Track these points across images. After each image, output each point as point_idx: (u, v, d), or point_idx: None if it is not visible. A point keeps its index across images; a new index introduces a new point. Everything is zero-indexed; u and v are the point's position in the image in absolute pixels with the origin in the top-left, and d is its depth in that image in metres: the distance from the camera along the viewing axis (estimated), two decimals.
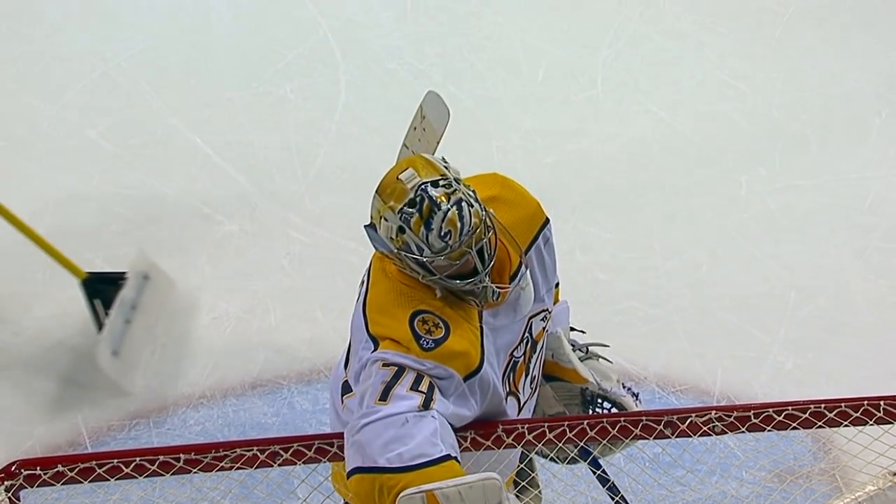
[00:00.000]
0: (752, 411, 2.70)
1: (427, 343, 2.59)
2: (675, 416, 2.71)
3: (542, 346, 2.90)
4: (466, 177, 2.72)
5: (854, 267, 5.37)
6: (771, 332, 5.01)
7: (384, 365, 2.59)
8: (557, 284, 3.01)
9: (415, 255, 2.55)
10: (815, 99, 6.32)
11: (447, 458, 2.52)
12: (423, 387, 2.57)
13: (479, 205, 2.58)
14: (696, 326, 5.08)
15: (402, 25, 6.74)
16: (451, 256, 2.55)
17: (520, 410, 2.85)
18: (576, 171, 5.88)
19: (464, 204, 2.54)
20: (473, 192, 2.60)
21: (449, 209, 2.52)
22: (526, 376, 2.85)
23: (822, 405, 2.70)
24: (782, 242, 5.49)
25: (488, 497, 2.44)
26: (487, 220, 2.59)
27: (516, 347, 2.79)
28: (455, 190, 2.55)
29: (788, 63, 6.57)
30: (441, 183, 2.55)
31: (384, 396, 2.55)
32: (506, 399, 2.77)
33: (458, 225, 2.53)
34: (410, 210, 2.53)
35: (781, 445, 3.05)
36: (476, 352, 2.65)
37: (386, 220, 2.56)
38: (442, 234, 2.52)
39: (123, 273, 4.92)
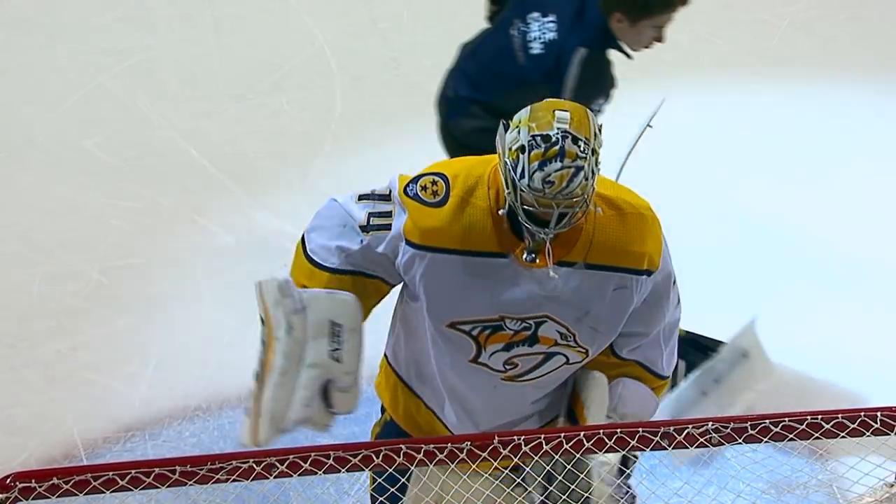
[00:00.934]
0: (749, 423, 2.70)
1: (410, 190, 2.79)
2: (671, 428, 2.71)
3: (546, 355, 2.88)
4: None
5: None
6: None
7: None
8: (656, 374, 3.03)
9: (515, 175, 2.61)
10: (815, 108, 6.33)
11: (328, 269, 2.87)
12: (376, 219, 2.82)
13: (592, 183, 2.64)
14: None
15: (399, 36, 6.75)
16: (540, 201, 2.60)
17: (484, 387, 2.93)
18: None
19: (581, 173, 2.60)
20: (597, 169, 2.66)
21: (567, 168, 2.59)
22: (505, 351, 2.85)
23: (819, 416, 2.69)
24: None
25: (335, 310, 2.81)
26: (587, 198, 2.65)
27: (512, 319, 2.81)
28: (585, 157, 2.61)
29: (785, 73, 6.58)
30: (580, 143, 2.61)
31: (362, 197, 2.87)
32: (468, 337, 2.83)
33: (563, 185, 2.59)
34: (540, 143, 2.60)
35: (779, 457, 3.04)
36: (450, 242, 2.77)
37: (518, 132, 2.63)
38: (546, 180, 2.58)
39: (719, 343, 4.54)
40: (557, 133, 2.60)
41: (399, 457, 2.65)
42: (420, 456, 2.65)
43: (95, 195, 5.77)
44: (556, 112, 2.63)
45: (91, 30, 6.79)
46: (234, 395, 4.81)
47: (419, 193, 2.76)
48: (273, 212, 5.69)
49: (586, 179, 2.61)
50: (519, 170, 2.60)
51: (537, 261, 2.72)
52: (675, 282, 2.87)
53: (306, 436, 4.24)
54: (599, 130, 2.68)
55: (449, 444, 2.64)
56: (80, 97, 6.35)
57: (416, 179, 2.79)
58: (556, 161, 2.59)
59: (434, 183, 2.76)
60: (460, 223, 2.75)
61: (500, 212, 2.70)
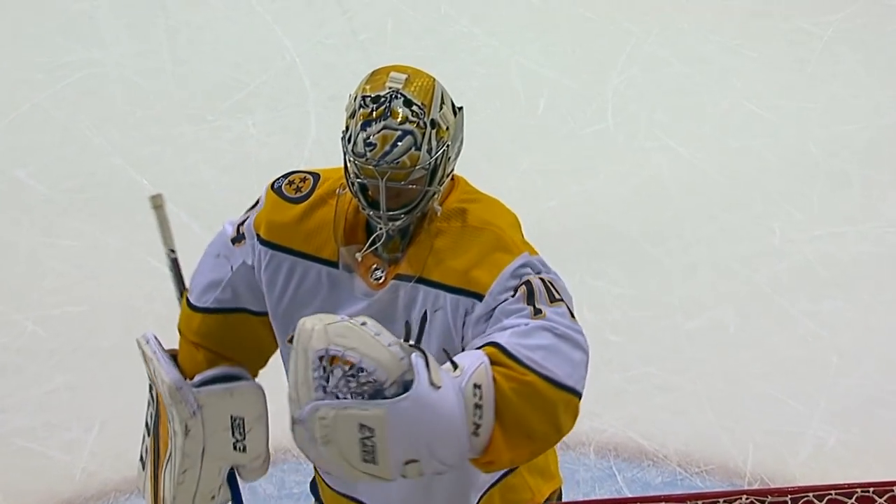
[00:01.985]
0: (790, 496, 2.69)
1: (277, 184, 2.91)
2: (700, 502, 2.70)
3: None
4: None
5: None
6: (810, 403, 5.00)
7: None
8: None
9: (345, 143, 2.70)
10: (859, 133, 6.36)
11: (198, 309, 3.00)
12: (243, 226, 2.95)
13: (429, 159, 2.68)
14: (724, 396, 5.07)
15: (381, 49, 6.76)
16: (364, 169, 2.66)
17: None
18: (582, 215, 5.89)
19: (410, 138, 2.65)
20: (440, 148, 2.70)
21: (391, 129, 2.65)
22: None
23: (871, 489, 2.69)
24: (822, 299, 5.50)
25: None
26: (421, 171, 2.68)
27: None
28: (418, 124, 2.66)
29: (827, 91, 6.60)
30: (413, 107, 2.67)
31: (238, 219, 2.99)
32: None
33: (385, 147, 2.64)
34: (369, 103, 2.67)
35: None
36: (292, 242, 2.84)
37: (352, 97, 2.72)
38: (367, 141, 2.64)
39: None
40: (388, 93, 2.68)
41: None
42: None
43: (30, 233, 5.77)
44: (392, 73, 2.73)
45: (25, 42, 6.81)
46: None
47: (282, 187, 2.88)
48: None
49: (417, 148, 2.65)
50: (348, 135, 2.68)
51: (382, 279, 2.77)
52: (532, 295, 2.71)
53: None
54: (455, 111, 2.75)
55: None
56: (11, 120, 6.35)
57: (287, 174, 2.91)
58: (379, 121, 2.65)
59: (303, 180, 2.87)
60: (308, 223, 2.82)
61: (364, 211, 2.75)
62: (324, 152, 6.17)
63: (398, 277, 2.76)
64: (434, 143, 2.69)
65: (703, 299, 5.48)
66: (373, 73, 2.76)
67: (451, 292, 2.73)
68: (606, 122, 6.36)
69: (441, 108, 2.71)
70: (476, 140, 6.14)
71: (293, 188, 2.84)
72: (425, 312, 2.75)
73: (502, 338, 2.55)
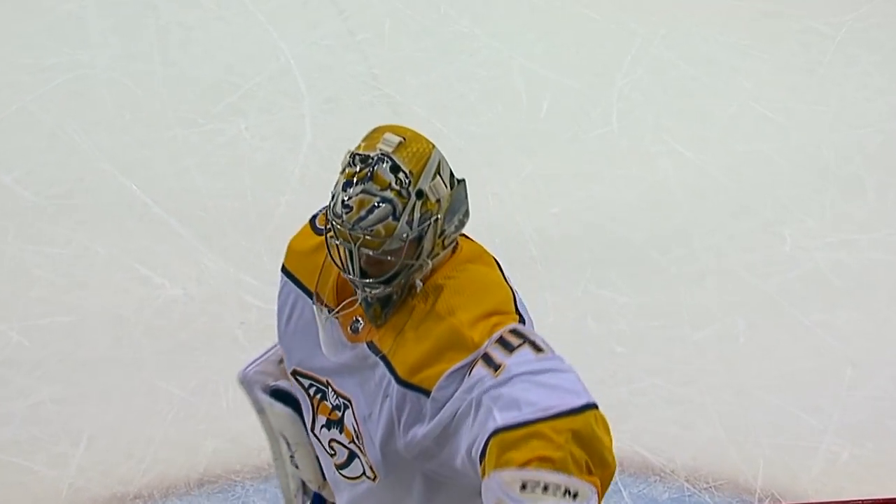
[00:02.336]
0: None
1: (319, 210, 2.96)
2: None
3: (349, 453, 2.86)
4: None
5: None
6: (823, 417, 5.00)
7: None
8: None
9: (329, 199, 2.68)
10: (873, 136, 6.36)
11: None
12: None
13: (408, 231, 2.64)
14: (733, 409, 5.07)
15: (379, 51, 6.77)
16: (339, 232, 2.65)
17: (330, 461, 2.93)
18: (586, 222, 5.88)
19: (388, 207, 2.61)
20: (423, 217, 2.65)
21: (370, 195, 2.61)
22: (327, 428, 2.88)
23: None
24: (835, 308, 5.50)
25: None
26: (398, 242, 2.64)
27: (332, 390, 2.84)
28: (400, 193, 2.62)
29: (839, 94, 6.60)
30: (400, 175, 2.62)
31: None
32: (306, 394, 2.90)
33: (361, 213, 2.61)
34: (355, 162, 2.65)
35: None
36: (303, 275, 2.93)
37: (346, 152, 2.70)
38: (345, 203, 2.62)
39: None
40: (377, 154, 2.64)
41: None
42: None
43: (15, 240, 5.76)
44: (388, 134, 2.68)
45: (10, 43, 6.81)
46: (182, 480, 4.79)
47: (318, 215, 2.93)
48: (229, 260, 5.68)
49: (395, 218, 2.61)
50: (331, 191, 2.68)
51: (359, 332, 2.75)
52: (489, 360, 2.64)
53: None
54: (452, 182, 2.70)
55: None
56: None
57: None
58: (360, 184, 2.63)
59: None
60: (318, 258, 2.84)
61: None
62: (319, 157, 6.18)
63: (370, 345, 2.75)
64: (417, 214, 2.64)
65: (711, 309, 5.48)
66: (372, 130, 2.72)
67: (399, 383, 2.68)
68: (611, 126, 6.36)
69: (433, 178, 2.66)
70: (477, 144, 6.21)
71: (325, 218, 2.76)
72: (381, 394, 2.74)
73: (492, 424, 2.51)
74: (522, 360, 2.56)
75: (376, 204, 2.60)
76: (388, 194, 2.61)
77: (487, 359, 2.58)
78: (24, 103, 6.46)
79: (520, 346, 2.58)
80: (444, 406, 2.61)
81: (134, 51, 6.84)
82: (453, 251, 2.76)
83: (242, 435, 4.91)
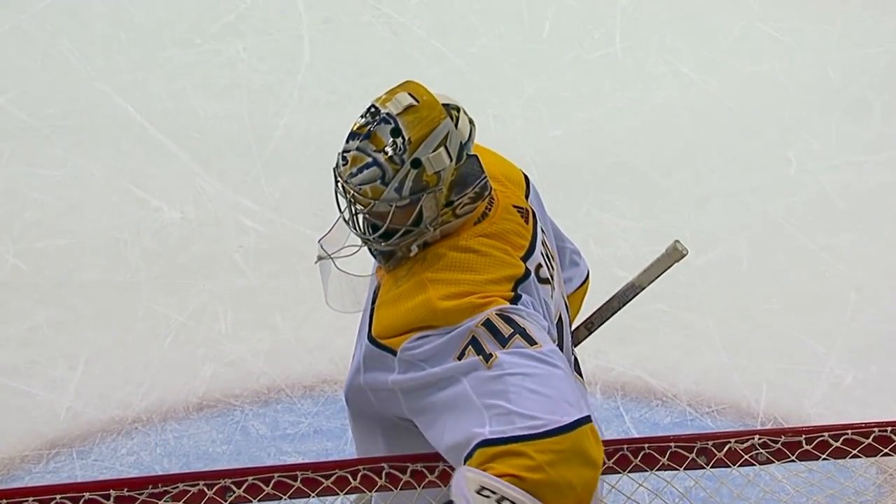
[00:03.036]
0: (804, 436, 2.70)
1: None
2: (710, 443, 2.71)
3: None
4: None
5: None
6: (826, 341, 5.01)
7: None
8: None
9: None
10: (880, 57, 6.33)
11: None
12: None
13: (394, 195, 2.67)
14: (736, 334, 5.08)
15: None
16: (335, 177, 2.73)
17: None
18: (589, 145, 5.88)
19: (375, 170, 2.66)
20: (416, 186, 2.68)
21: (364, 155, 2.68)
22: None
23: (889, 428, 2.70)
24: (840, 231, 5.50)
25: None
26: (384, 206, 2.69)
27: None
28: (392, 159, 2.66)
29: (846, 13, 6.57)
30: (398, 141, 2.66)
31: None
32: None
33: (352, 170, 2.67)
34: (366, 113, 2.71)
35: (839, 477, 3.04)
36: None
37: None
38: (343, 154, 2.70)
39: None
40: (384, 113, 2.67)
41: (381, 478, 2.65)
42: (406, 477, 2.66)
43: (10, 162, 5.76)
44: (401, 94, 2.70)
45: None
46: (181, 404, 4.81)
47: None
48: (227, 182, 5.68)
49: (383, 183, 2.65)
50: None
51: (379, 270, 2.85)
52: (478, 344, 2.66)
53: (268, 453, 4.27)
54: (457, 158, 2.71)
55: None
56: None
57: None
58: (359, 139, 2.67)
59: None
60: None
61: None
62: (318, 79, 6.16)
63: (376, 289, 2.82)
64: (409, 183, 2.67)
65: (714, 233, 5.49)
66: (399, 83, 2.74)
67: (369, 340, 2.74)
68: (614, 47, 6.34)
69: (435, 150, 2.68)
70: (477, 65, 6.19)
71: None
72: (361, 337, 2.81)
73: (481, 435, 2.53)
74: (516, 356, 2.58)
75: (368, 164, 2.65)
76: (380, 157, 2.64)
77: (477, 345, 2.60)
78: (17, 22, 6.43)
79: (511, 336, 2.60)
80: (417, 363, 2.65)
81: None
82: (480, 220, 2.77)
83: (241, 359, 4.93)
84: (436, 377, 2.60)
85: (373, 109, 2.67)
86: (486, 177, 2.75)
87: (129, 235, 5.42)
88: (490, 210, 2.78)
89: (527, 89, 6.12)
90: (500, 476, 2.46)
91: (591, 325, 3.37)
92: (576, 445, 2.51)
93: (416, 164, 2.65)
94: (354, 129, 2.68)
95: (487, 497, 2.45)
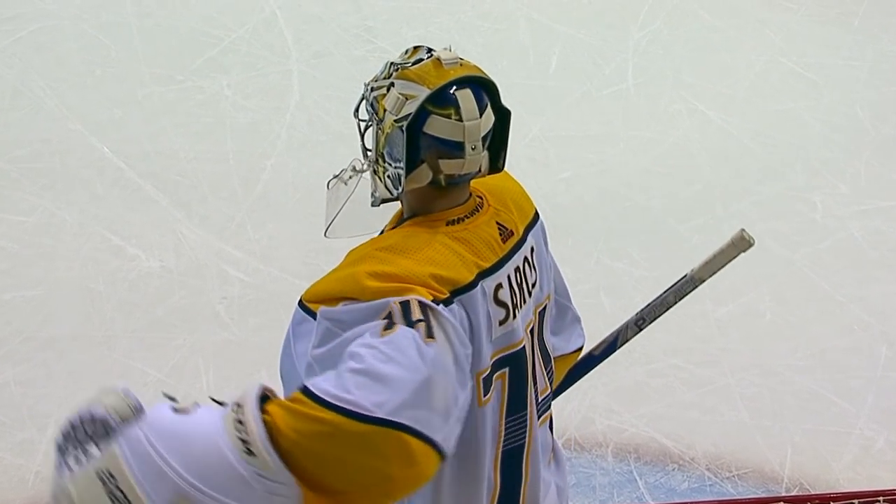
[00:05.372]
0: (833, 503, 2.70)
1: None
2: None
3: None
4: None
5: None
6: (856, 400, 5.00)
7: None
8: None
9: None
10: None
11: None
12: None
13: (354, 116, 3.06)
14: (759, 392, 5.08)
15: (374, 0, 6.76)
16: None
17: None
18: (599, 188, 5.89)
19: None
20: (365, 113, 3.04)
21: None
22: None
23: None
24: (870, 282, 5.50)
25: None
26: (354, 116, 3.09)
27: None
28: (366, 82, 3.01)
29: (875, 47, 6.60)
30: (385, 67, 2.96)
31: None
32: None
33: None
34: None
35: None
36: None
37: None
38: None
39: None
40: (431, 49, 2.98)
41: None
42: None
43: None
44: (461, 58, 2.99)
45: None
46: None
47: None
48: (210, 229, 5.68)
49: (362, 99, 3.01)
50: None
51: None
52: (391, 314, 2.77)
53: None
54: (397, 117, 2.89)
55: None
56: None
57: None
58: None
59: None
60: None
61: None
62: (308, 117, 6.18)
63: None
64: (363, 108, 2.97)
65: (735, 283, 5.48)
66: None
67: (299, 301, 2.86)
68: (626, 83, 6.36)
69: (383, 89, 2.93)
70: None
71: None
72: None
73: (312, 381, 2.58)
74: (406, 336, 2.64)
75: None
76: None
77: (388, 316, 2.68)
78: None
79: (418, 322, 2.67)
80: (334, 331, 2.75)
81: (104, 0, 6.83)
82: (454, 223, 2.92)
83: None
84: (347, 341, 2.67)
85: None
86: (407, 157, 2.90)
87: (104, 286, 5.42)
88: (469, 217, 2.92)
89: (532, 128, 6.13)
90: (265, 419, 2.48)
91: (641, 322, 3.41)
92: (363, 440, 2.53)
93: (372, 90, 2.96)
94: None
95: (238, 428, 2.46)
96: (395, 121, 2.86)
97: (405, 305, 2.68)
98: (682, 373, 5.12)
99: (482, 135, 2.88)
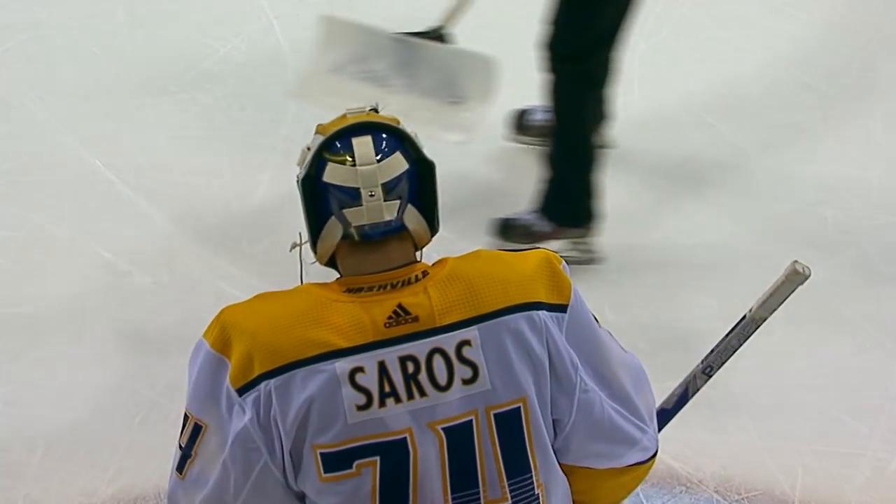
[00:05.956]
0: None
1: None
2: None
3: None
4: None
5: None
6: (869, 420, 5.00)
7: None
8: None
9: None
10: None
11: None
12: None
13: None
14: (768, 412, 5.07)
15: (372, 9, 6.74)
16: None
17: None
18: (605, 203, 5.88)
19: None
20: None
21: None
22: None
23: None
24: (884, 300, 5.50)
25: None
26: None
27: None
28: None
29: (889, 58, 6.60)
30: None
31: None
32: None
33: None
34: None
35: None
36: None
37: None
38: None
39: None
40: None
41: None
42: None
43: None
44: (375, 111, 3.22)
45: None
46: (151, 491, 4.79)
47: None
48: (204, 244, 5.68)
49: None
50: None
51: None
52: None
53: None
54: (308, 165, 3.11)
55: None
56: None
57: None
58: None
59: None
60: None
61: None
62: (305, 129, 6.14)
63: None
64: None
65: (744, 300, 5.45)
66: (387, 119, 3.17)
67: None
68: (633, 95, 6.34)
69: (311, 148, 3.17)
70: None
71: None
72: None
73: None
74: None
75: None
76: None
77: None
78: None
79: (180, 457, 3.21)
80: None
81: (97, 10, 6.84)
82: (353, 290, 3.04)
83: None
84: None
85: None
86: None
87: (96, 303, 5.42)
88: (375, 291, 3.00)
89: None
90: None
91: (709, 370, 3.45)
92: None
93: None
94: None
95: None
96: (299, 175, 3.02)
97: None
98: None
99: (382, 181, 2.94)
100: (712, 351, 3.46)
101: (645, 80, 6.42)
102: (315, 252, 3.11)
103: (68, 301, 5.44)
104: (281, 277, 5.38)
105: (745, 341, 3.43)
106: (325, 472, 2.92)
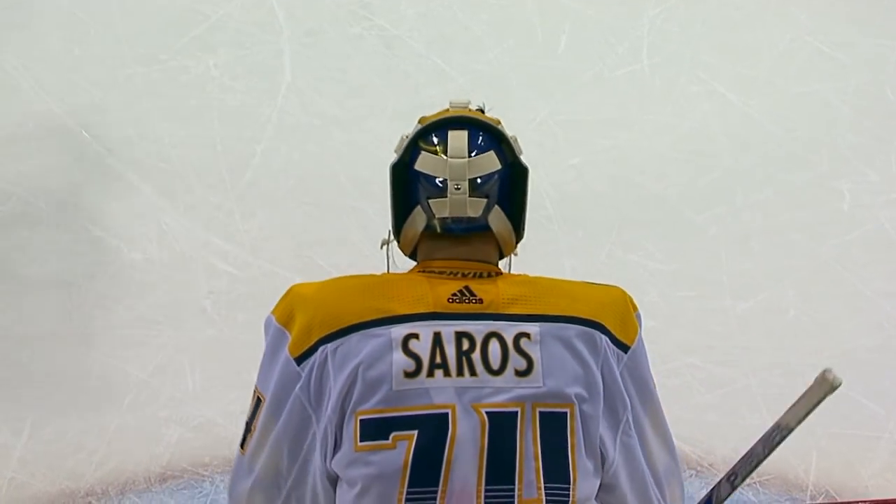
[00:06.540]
0: None
1: None
2: None
3: None
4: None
5: None
6: (886, 402, 5.00)
7: None
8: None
9: None
10: None
11: None
12: None
13: None
14: (781, 393, 5.05)
15: None
16: None
17: None
18: (611, 176, 5.87)
19: None
20: None
21: None
22: None
23: None
24: None
25: None
26: None
27: None
28: None
29: None
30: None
31: None
32: None
33: None
34: None
35: None
36: None
37: None
38: None
39: None
40: None
41: None
42: None
43: None
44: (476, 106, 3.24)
45: None
46: (142, 474, 4.80)
47: None
48: (196, 218, 5.68)
49: None
50: None
51: None
52: None
53: None
54: (392, 184, 3.11)
55: None
56: None
57: None
58: None
59: None
60: None
61: None
62: (300, 100, 6.16)
63: None
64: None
65: (756, 277, 5.48)
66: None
67: None
68: (641, 63, 6.34)
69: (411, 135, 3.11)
70: (483, 84, 6.18)
71: None
72: None
73: None
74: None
75: None
76: None
77: None
78: None
79: (244, 434, 3.16)
80: None
81: None
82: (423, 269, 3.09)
83: (211, 422, 4.92)
84: None
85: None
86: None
87: (83, 280, 5.42)
88: (448, 275, 3.05)
89: (540, 112, 6.12)
90: None
91: (734, 478, 3.43)
92: None
93: None
94: None
95: None
96: (393, 187, 3.04)
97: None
98: (700, 373, 5.12)
99: (471, 176, 2.98)
100: (739, 460, 3.45)
101: (653, 48, 6.41)
102: (398, 241, 3.13)
103: (55, 278, 5.43)
104: (276, 254, 5.42)
105: (771, 451, 3.41)
106: (361, 440, 2.93)
